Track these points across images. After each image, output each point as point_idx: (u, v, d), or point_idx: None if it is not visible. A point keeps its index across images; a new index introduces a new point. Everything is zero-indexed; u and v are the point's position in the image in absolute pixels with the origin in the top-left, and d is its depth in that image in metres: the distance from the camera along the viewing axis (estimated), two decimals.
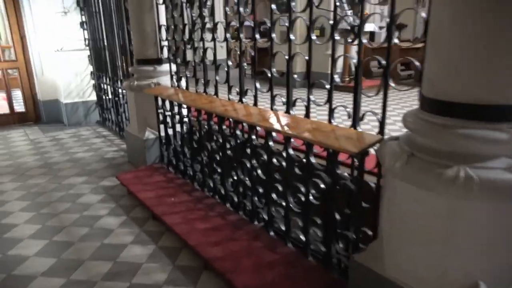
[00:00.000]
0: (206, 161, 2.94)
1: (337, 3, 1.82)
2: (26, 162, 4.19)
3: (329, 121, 1.97)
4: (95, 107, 5.93)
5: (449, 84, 1.25)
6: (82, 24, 5.62)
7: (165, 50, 3.52)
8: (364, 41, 1.78)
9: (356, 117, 1.84)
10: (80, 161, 4.16)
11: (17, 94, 6.36)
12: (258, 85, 2.43)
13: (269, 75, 2.30)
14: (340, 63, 8.87)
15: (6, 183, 3.61)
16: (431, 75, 1.35)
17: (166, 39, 3.43)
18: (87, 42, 5.67)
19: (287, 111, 2.22)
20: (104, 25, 4.92)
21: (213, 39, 2.76)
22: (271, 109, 2.34)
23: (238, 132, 2.50)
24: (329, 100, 1.96)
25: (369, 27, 7.95)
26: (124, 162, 4.06)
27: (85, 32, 5.64)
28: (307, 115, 2.10)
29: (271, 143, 2.23)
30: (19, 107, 6.14)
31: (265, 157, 2.28)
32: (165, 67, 3.53)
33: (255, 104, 2.49)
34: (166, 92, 3.29)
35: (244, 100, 2.58)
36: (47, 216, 2.91)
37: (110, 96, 5.31)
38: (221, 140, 2.68)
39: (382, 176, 1.62)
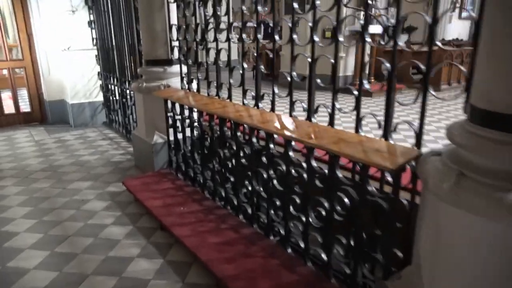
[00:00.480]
0: (217, 168, 2.77)
1: (370, 2, 1.66)
2: (30, 164, 4.06)
3: (356, 131, 1.80)
4: (102, 108, 5.80)
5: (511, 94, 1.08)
6: (90, 23, 5.50)
7: (176, 50, 3.36)
8: (401, 43, 1.60)
9: (388, 127, 1.67)
10: (86, 164, 4.02)
11: (23, 94, 6.26)
12: (276, 89, 2.27)
13: (289, 78, 2.13)
14: (351, 65, 8.69)
15: (9, 186, 3.48)
16: (484, 83, 1.17)
17: (177, 39, 3.28)
18: (95, 41, 5.54)
19: (309, 118, 2.05)
20: (112, 24, 4.78)
21: (228, 40, 2.60)
22: (290, 115, 2.17)
23: (253, 140, 2.33)
24: (357, 108, 1.79)
25: (375, 29, 7.78)
26: (131, 167, 3.91)
27: (93, 31, 5.52)
28: (331, 123, 1.93)
29: (291, 153, 2.06)
30: (25, 106, 6.03)
31: (284, 167, 2.11)
32: (176, 68, 3.38)
33: (272, 109, 2.32)
34: (176, 94, 3.14)
35: (260, 105, 2.42)
36: (50, 224, 2.76)
37: (117, 97, 5.18)
38: (235, 147, 2.52)
39: (421, 195, 1.44)
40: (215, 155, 2.78)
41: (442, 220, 1.25)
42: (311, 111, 2.05)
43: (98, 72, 5.68)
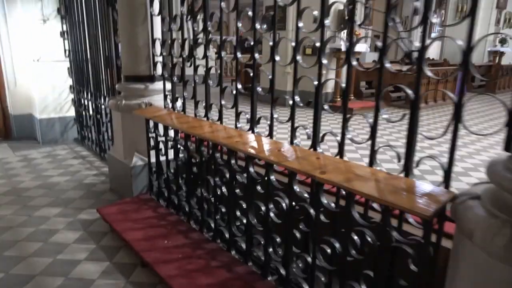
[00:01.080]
0: (206, 196, 2.53)
1: (389, 24, 1.50)
2: None
3: (370, 164, 1.62)
4: (73, 124, 5.42)
5: None
6: (62, 33, 5.15)
7: (159, 66, 3.13)
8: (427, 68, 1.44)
9: (409, 163, 1.49)
10: (55, 187, 3.66)
11: None
12: (275, 114, 2.07)
13: (291, 102, 1.95)
14: (331, 82, 8.66)
15: None
16: None
17: (161, 54, 3.05)
18: (67, 53, 5.20)
19: (313, 148, 1.86)
20: (87, 35, 4.48)
21: (219, 57, 2.39)
22: (291, 143, 1.98)
23: (251, 170, 2.11)
24: (373, 137, 1.61)
25: (360, 47, 7.84)
26: (106, 190, 3.59)
27: (66, 42, 5.17)
28: (340, 154, 1.75)
29: (296, 187, 1.85)
30: None
31: (287, 201, 1.90)
32: (158, 85, 3.14)
33: (270, 135, 2.12)
34: (159, 114, 2.88)
35: (255, 129, 2.22)
36: (12, 261, 2.41)
37: (91, 113, 4.84)
38: (227, 175, 2.29)
39: (456, 242, 1.27)
40: (204, 181, 2.54)
41: (493, 276, 1.07)
42: (316, 140, 1.87)
43: (70, 86, 5.32)
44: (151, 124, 2.99)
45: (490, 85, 11.35)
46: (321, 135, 1.87)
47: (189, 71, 2.77)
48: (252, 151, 1.95)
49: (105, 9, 3.84)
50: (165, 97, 3.08)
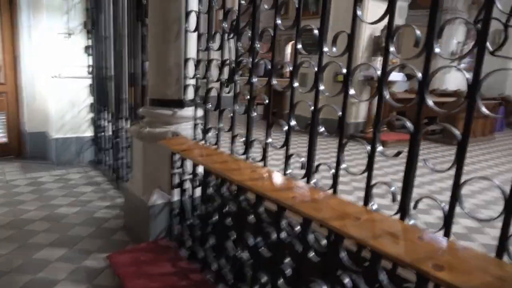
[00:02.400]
0: (244, 257, 2.01)
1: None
2: None
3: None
4: (91, 145, 5.04)
5: None
6: (87, 48, 4.84)
7: (190, 90, 2.69)
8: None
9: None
10: (62, 220, 3.21)
11: (1, 120, 5.47)
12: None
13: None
14: (363, 111, 8.15)
15: None
16: None
17: (194, 76, 2.61)
18: (90, 69, 4.87)
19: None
20: (113, 52, 4.12)
21: (268, 85, 1.93)
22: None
23: (310, 237, 1.59)
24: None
25: (395, 76, 7.31)
26: (119, 227, 3.11)
27: (90, 58, 4.85)
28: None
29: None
30: (1, 135, 5.23)
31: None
32: (188, 112, 2.69)
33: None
34: (187, 148, 2.42)
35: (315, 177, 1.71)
36: None
37: (109, 135, 4.45)
38: (275, 235, 1.77)
39: None
40: (240, 238, 2.03)
41: None
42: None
43: (91, 104, 4.97)
44: (177, 158, 2.53)
45: None
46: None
47: (224, 98, 2.33)
48: (330, 222, 1.40)
49: (133, 24, 3.48)
50: (195, 126, 2.63)
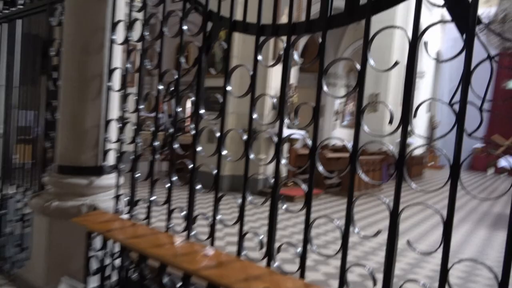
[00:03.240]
0: None
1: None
2: None
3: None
4: None
5: None
6: None
7: (112, 155, 2.34)
8: None
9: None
10: None
11: None
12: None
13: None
14: (271, 166, 8.33)
15: None
16: None
17: (119, 140, 2.27)
18: None
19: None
20: (4, 105, 3.47)
21: (218, 154, 1.75)
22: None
23: None
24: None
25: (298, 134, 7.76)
26: None
27: None
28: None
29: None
30: None
31: None
32: (109, 180, 2.31)
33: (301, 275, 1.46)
34: (109, 225, 2.03)
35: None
36: None
37: None
38: None
39: None
40: None
41: None
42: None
43: None
44: (95, 237, 2.10)
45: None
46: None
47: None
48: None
49: (35, 77, 2.99)
50: (118, 197, 2.26)
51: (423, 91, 14.80)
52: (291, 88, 7.55)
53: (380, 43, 9.59)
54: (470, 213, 7.08)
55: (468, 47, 1.14)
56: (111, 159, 2.35)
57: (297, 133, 7.65)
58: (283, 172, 7.94)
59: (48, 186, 2.35)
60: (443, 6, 1.19)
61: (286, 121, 1.60)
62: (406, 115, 1.25)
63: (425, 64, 14.33)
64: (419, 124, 14.95)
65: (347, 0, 1.41)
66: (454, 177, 1.16)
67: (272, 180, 1.60)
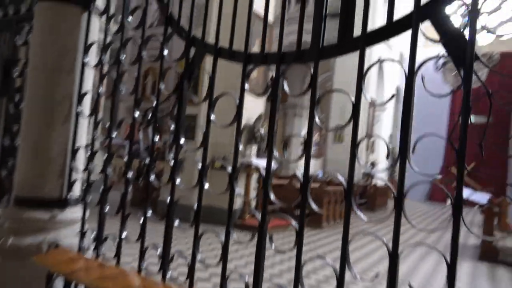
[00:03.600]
0: None
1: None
2: None
3: None
4: None
5: None
6: None
7: (78, 186, 2.15)
8: None
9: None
10: None
11: None
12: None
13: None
14: (239, 198, 8.18)
15: None
16: None
17: (87, 169, 2.09)
18: None
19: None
20: None
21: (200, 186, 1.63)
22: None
23: None
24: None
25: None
26: None
27: None
28: None
29: None
30: None
31: None
32: (73, 214, 2.11)
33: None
34: (73, 265, 1.83)
35: None
36: None
37: None
38: None
39: None
40: None
41: None
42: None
43: None
44: (57, 279, 1.88)
45: (370, 204, 12.34)
46: None
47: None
48: None
49: None
50: (84, 233, 2.05)
51: (385, 122, 15.39)
52: (262, 118, 7.57)
53: (347, 73, 9.85)
54: (426, 244, 7.19)
55: (466, 83, 1.13)
56: (77, 190, 2.16)
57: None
58: (253, 203, 7.82)
59: (2, 221, 2.10)
60: (439, 41, 1.19)
61: (276, 153, 1.52)
62: (404, 151, 1.20)
63: (387, 97, 14.97)
64: (382, 154, 15.42)
65: (340, 31, 1.38)
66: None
67: (259, 215, 1.50)
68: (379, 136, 13.67)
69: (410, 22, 1.23)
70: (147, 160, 1.82)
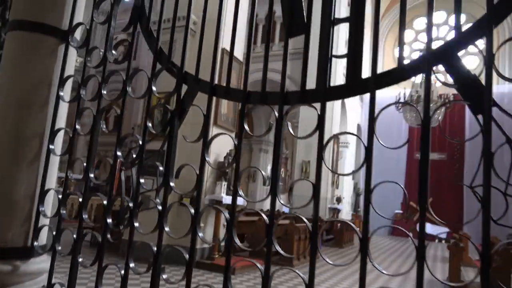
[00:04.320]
0: None
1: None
2: None
3: None
4: None
5: None
6: None
7: (45, 233, 1.91)
8: None
9: None
10: None
11: None
12: None
13: None
14: (209, 235, 7.87)
15: None
16: None
17: (58, 214, 1.87)
18: None
19: None
20: None
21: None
22: None
23: None
24: None
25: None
26: None
27: None
28: None
29: None
30: None
31: None
32: (39, 264, 1.86)
33: None
34: None
35: None
36: None
37: None
38: None
39: None
40: None
41: None
42: None
43: None
44: None
45: (338, 240, 12.31)
46: None
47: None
48: None
49: None
50: (51, 287, 1.80)
51: (348, 159, 15.75)
52: (231, 153, 7.46)
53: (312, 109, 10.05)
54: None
55: (485, 128, 1.11)
56: (44, 237, 1.92)
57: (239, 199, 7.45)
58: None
59: None
60: (453, 86, 1.17)
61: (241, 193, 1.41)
62: (424, 199, 1.14)
63: (350, 135, 15.40)
64: (346, 188, 15.66)
65: (348, 72, 1.35)
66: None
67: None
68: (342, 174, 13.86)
69: (422, 66, 1.21)
70: (130, 204, 1.65)
